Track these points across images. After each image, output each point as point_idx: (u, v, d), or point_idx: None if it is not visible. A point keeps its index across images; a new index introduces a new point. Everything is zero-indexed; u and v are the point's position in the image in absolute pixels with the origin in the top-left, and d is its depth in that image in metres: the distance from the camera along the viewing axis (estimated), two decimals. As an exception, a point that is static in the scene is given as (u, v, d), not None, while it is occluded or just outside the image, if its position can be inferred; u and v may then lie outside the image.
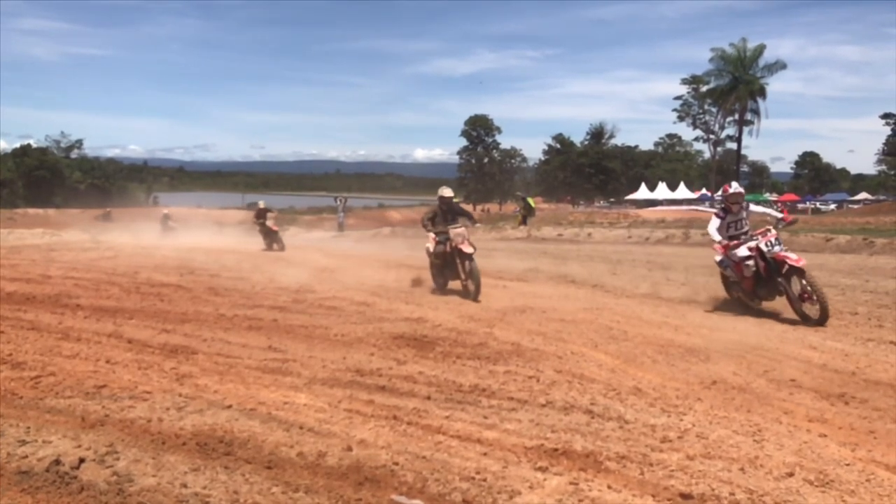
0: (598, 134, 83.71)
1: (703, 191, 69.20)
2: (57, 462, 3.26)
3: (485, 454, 3.52)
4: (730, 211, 8.64)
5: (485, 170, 79.88)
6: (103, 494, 3.01)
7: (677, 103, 76.16)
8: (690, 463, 3.46)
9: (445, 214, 10.33)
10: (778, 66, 49.36)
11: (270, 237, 19.64)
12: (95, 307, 8.05)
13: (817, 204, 66.32)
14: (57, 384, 4.66)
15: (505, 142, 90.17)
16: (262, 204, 21.57)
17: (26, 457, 3.36)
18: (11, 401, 4.29)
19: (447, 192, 10.67)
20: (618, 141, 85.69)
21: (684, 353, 6.17)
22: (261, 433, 3.75)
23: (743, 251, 8.17)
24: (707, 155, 79.22)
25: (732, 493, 3.12)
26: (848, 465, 3.53)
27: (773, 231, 8.16)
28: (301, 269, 12.86)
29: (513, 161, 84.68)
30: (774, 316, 8.14)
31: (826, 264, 12.76)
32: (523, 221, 28.59)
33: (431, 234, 10.20)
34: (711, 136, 72.39)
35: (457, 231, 9.84)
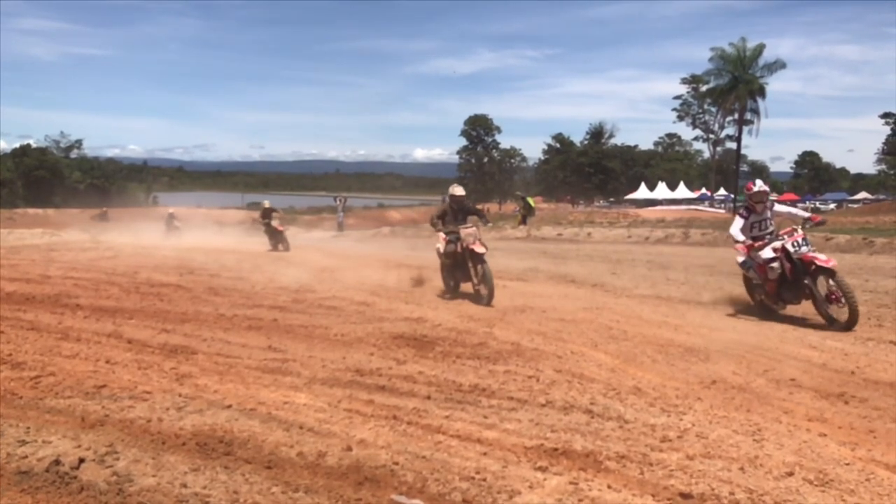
0: (597, 133, 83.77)
1: (703, 190, 69.29)
2: (57, 462, 3.26)
3: (485, 454, 3.52)
4: (753, 211, 8.23)
5: (484, 169, 79.88)
6: (103, 494, 3.01)
7: (677, 103, 76.40)
8: (690, 462, 3.46)
9: (456, 213, 9.95)
10: (777, 65, 49.29)
11: (276, 237, 19.37)
12: (95, 307, 8.05)
13: (817, 203, 66.31)
14: (57, 384, 4.65)
15: (505, 141, 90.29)
16: (267, 203, 21.25)
17: (26, 457, 3.36)
18: (11, 401, 4.29)
19: (459, 190, 10.29)
20: (617, 140, 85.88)
21: (684, 352, 6.18)
22: (261, 433, 3.75)
23: (768, 252, 7.82)
24: (707, 154, 79.49)
25: (732, 493, 3.12)
26: (848, 464, 3.53)
27: (800, 231, 7.81)
28: (301, 269, 12.86)
29: (512, 161, 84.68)
30: (797, 320, 7.83)
31: (826, 264, 12.73)
32: (523, 221, 28.56)
33: (441, 234, 9.83)
34: (711, 136, 72.59)
35: (468, 231, 9.48)
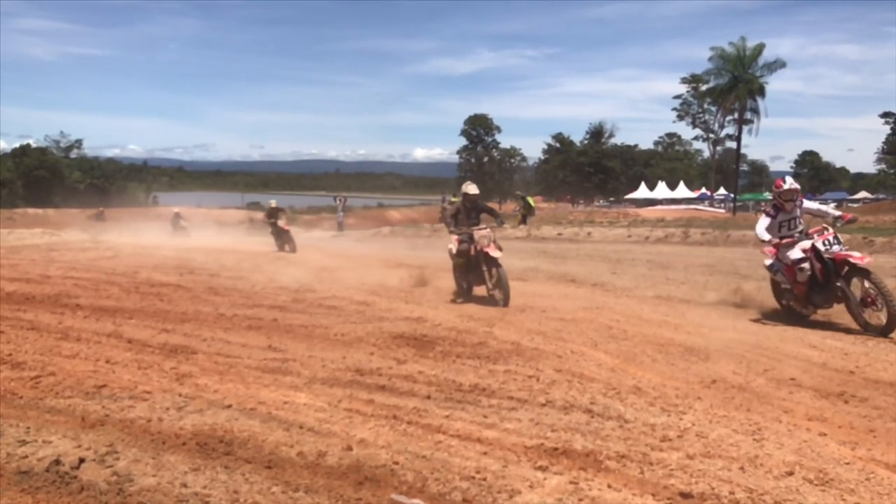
0: (597, 133, 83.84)
1: (703, 190, 69.26)
2: (57, 462, 3.26)
3: (485, 453, 3.52)
4: (782, 209, 7.75)
5: (484, 169, 79.87)
6: (103, 494, 3.01)
7: (677, 102, 76.49)
8: (690, 462, 3.46)
9: (469, 213, 9.60)
10: (777, 64, 49.25)
11: (282, 238, 18.96)
12: (95, 307, 8.04)
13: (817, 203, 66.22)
14: (57, 384, 4.65)
15: (504, 141, 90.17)
16: (273, 203, 20.87)
17: (26, 457, 3.36)
18: (11, 401, 4.29)
19: (473, 188, 9.83)
20: (617, 140, 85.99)
21: (684, 352, 6.18)
22: (261, 433, 3.75)
23: (796, 253, 7.40)
24: (706, 154, 79.59)
25: (732, 492, 3.12)
26: (848, 463, 3.53)
27: (831, 229, 7.39)
28: (301, 269, 12.86)
29: (512, 160, 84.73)
30: (831, 326, 7.46)
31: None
32: (523, 221, 28.55)
33: (454, 235, 9.46)
34: (711, 135, 72.68)
35: (482, 233, 9.14)
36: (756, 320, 7.94)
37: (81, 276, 11.34)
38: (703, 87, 61.33)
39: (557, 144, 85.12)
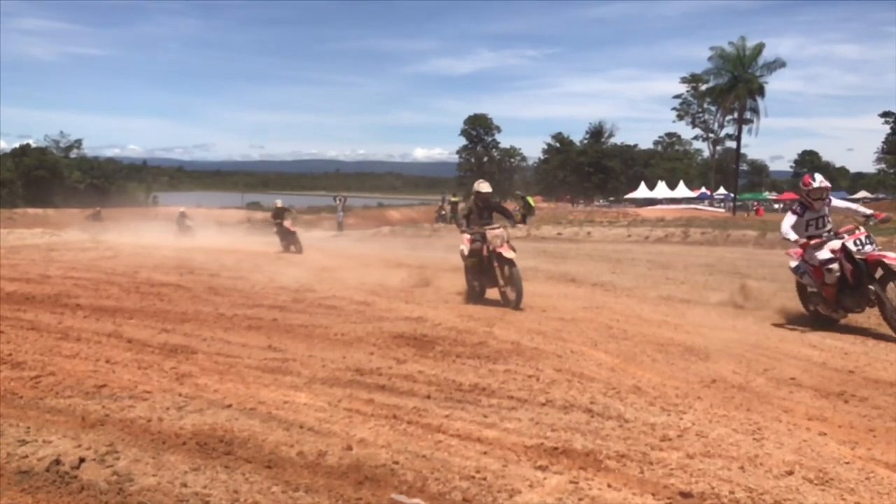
0: (597, 133, 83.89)
1: (703, 189, 69.27)
2: (57, 462, 3.26)
3: (485, 453, 3.52)
4: (809, 207, 7.37)
5: (484, 169, 79.80)
6: (103, 494, 3.01)
7: (676, 102, 76.57)
8: (690, 461, 3.46)
9: (482, 212, 9.31)
10: (777, 64, 49.28)
11: (288, 238, 18.61)
12: (95, 307, 8.04)
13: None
14: (57, 384, 4.65)
15: (504, 141, 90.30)
16: (279, 203, 20.45)
17: (26, 456, 3.36)
18: (11, 401, 4.29)
19: (485, 186, 9.54)
20: (617, 140, 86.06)
21: (684, 351, 6.18)
22: (261, 432, 3.75)
23: (824, 253, 7.02)
24: (706, 154, 79.63)
25: (732, 492, 3.12)
26: (847, 463, 3.54)
27: (862, 228, 7.02)
28: (301, 269, 12.87)
29: (512, 160, 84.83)
30: (863, 331, 7.15)
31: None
32: (523, 220, 28.57)
33: (466, 235, 9.17)
34: (711, 135, 72.74)
35: (495, 233, 8.87)
36: (756, 320, 7.94)
37: (81, 275, 11.34)
38: (703, 87, 61.46)
39: (557, 144, 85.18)
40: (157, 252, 16.90)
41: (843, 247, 6.94)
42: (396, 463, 3.37)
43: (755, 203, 51.84)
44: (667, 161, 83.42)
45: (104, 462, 3.30)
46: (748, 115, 50.79)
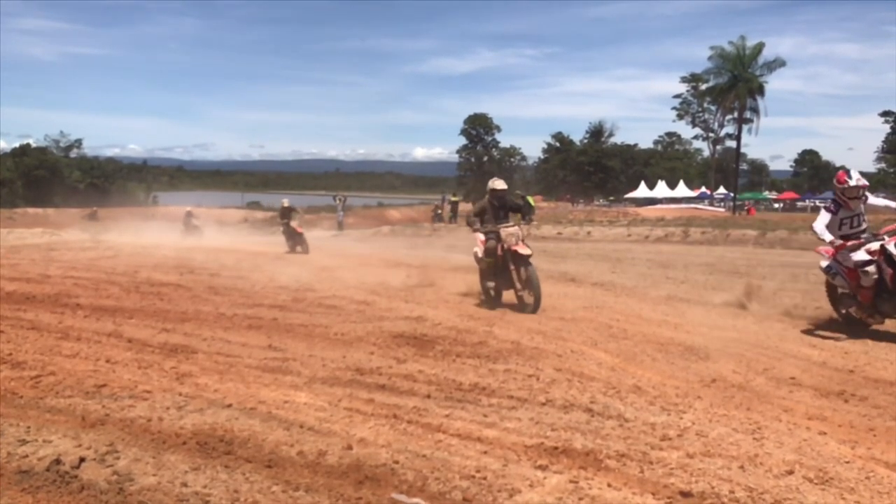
0: (597, 132, 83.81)
1: (703, 189, 69.27)
2: (57, 461, 3.26)
3: (485, 452, 3.52)
4: (844, 206, 7.03)
5: (484, 168, 79.75)
6: (104, 494, 3.01)
7: (676, 101, 76.44)
8: (690, 461, 3.46)
9: (497, 211, 8.80)
10: (777, 63, 49.32)
11: (294, 239, 18.26)
12: (95, 306, 8.04)
13: (817, 202, 66.25)
14: (57, 383, 4.65)
15: (504, 140, 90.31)
16: (286, 202, 20.00)
17: (26, 456, 3.36)
18: (11, 400, 4.29)
19: (500, 184, 9.03)
20: (617, 139, 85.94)
21: (684, 351, 6.18)
22: (261, 432, 3.75)
23: (860, 255, 6.68)
24: (706, 153, 79.54)
25: (732, 491, 3.12)
26: (847, 462, 3.54)
27: None
28: (301, 268, 12.87)
29: (512, 160, 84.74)
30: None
31: (825, 262, 12.74)
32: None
33: (479, 235, 8.75)
34: (711, 135, 72.65)
35: (509, 231, 8.47)
36: (756, 320, 7.94)
37: (81, 275, 11.34)
38: (703, 87, 61.45)
39: (557, 144, 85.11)
40: (158, 251, 16.89)
41: (883, 249, 6.58)
42: (396, 462, 3.37)
43: (746, 203, 51.81)
44: (667, 160, 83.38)
45: (104, 462, 3.30)
46: (748, 114, 50.86)
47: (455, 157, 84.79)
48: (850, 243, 6.72)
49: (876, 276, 6.63)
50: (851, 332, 6.88)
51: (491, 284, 8.75)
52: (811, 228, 7.10)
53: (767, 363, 5.76)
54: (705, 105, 69.55)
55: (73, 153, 72.40)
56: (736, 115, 52.79)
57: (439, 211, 38.38)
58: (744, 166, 72.32)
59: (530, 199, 33.34)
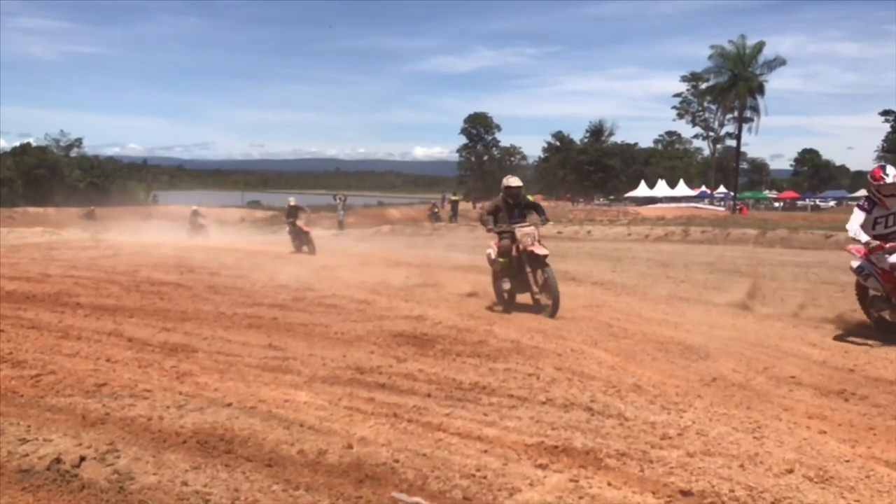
0: (597, 131, 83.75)
1: (703, 188, 69.30)
2: (58, 460, 3.26)
3: (485, 451, 3.52)
4: (879, 204, 6.69)
5: (484, 168, 79.85)
6: (104, 493, 3.01)
7: (677, 100, 76.40)
8: (690, 460, 3.46)
9: (511, 209, 8.45)
10: (777, 62, 49.31)
11: (300, 239, 17.92)
12: (95, 305, 8.04)
13: (817, 201, 66.33)
14: (57, 382, 4.65)
15: (504, 139, 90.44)
16: (292, 201, 19.63)
17: (27, 455, 3.36)
18: (12, 399, 4.29)
19: (515, 181, 8.66)
20: (617, 138, 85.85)
21: (684, 350, 6.18)
22: (261, 431, 3.75)
23: None
24: (706, 152, 79.51)
25: (732, 490, 3.12)
26: (848, 461, 3.54)
27: None
28: (301, 267, 12.87)
29: (512, 159, 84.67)
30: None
31: (826, 261, 12.76)
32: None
33: (493, 235, 8.48)
34: (711, 134, 72.64)
35: (525, 230, 8.16)
36: (756, 319, 7.94)
37: (82, 274, 11.34)
38: (703, 86, 61.39)
39: (557, 143, 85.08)
40: (157, 250, 16.89)
41: None
42: (397, 461, 3.37)
43: (738, 202, 51.78)
44: (667, 160, 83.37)
45: (105, 461, 3.30)
46: (748, 113, 50.85)
47: (455, 157, 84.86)
48: (888, 245, 6.41)
49: None
50: (887, 338, 6.60)
51: (507, 287, 8.39)
52: (846, 229, 6.75)
53: (767, 362, 5.76)
54: (705, 104, 69.52)
55: (74, 152, 72.34)
56: (736, 114, 52.78)
57: (436, 210, 38.34)
58: (744, 165, 72.39)
59: (530, 199, 33.34)
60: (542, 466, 3.34)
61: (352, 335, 6.56)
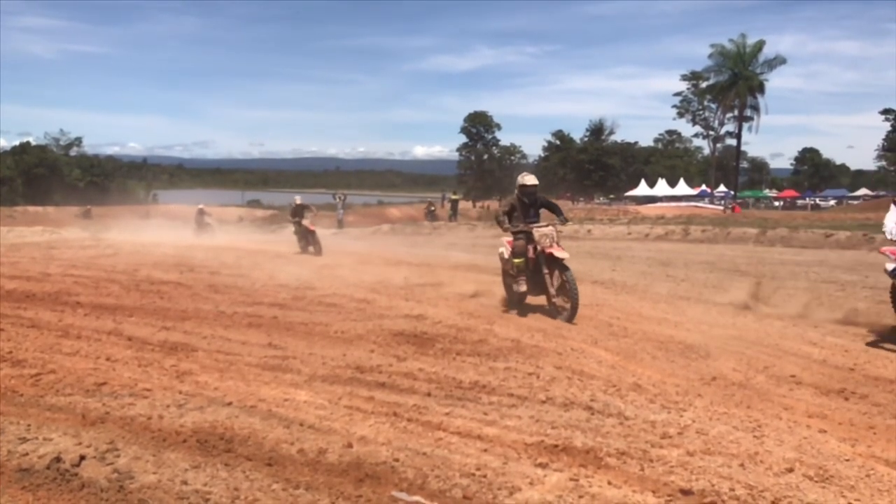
0: (597, 130, 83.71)
1: (703, 187, 69.28)
2: (58, 459, 3.26)
3: (485, 450, 3.52)
4: None
5: (484, 167, 79.81)
6: (104, 492, 3.01)
7: (677, 99, 76.25)
8: (690, 459, 3.46)
9: (527, 209, 8.12)
10: (777, 61, 49.36)
11: (306, 238, 17.72)
12: (95, 305, 8.04)
13: (817, 200, 66.36)
14: (57, 382, 4.65)
15: (504, 138, 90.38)
16: (298, 200, 19.44)
17: (27, 454, 3.36)
18: (12, 398, 4.29)
19: (531, 179, 8.24)
20: (617, 137, 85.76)
21: (684, 349, 6.18)
22: (261, 430, 3.75)
23: None
24: (707, 151, 79.39)
25: (732, 489, 3.12)
26: (848, 460, 3.54)
27: None
28: (301, 267, 12.86)
29: (512, 158, 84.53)
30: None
31: (826, 260, 12.77)
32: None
33: (507, 235, 8.19)
34: (711, 133, 72.51)
35: (543, 231, 7.84)
36: (756, 318, 7.94)
37: (81, 273, 11.33)
38: (704, 85, 61.42)
39: (557, 142, 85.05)
40: (157, 250, 16.88)
41: None
42: (397, 460, 3.37)
43: (731, 201, 51.80)
44: (667, 158, 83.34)
45: (105, 460, 3.30)
46: (748, 112, 50.89)
47: (455, 156, 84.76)
48: None
49: None
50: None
51: (523, 289, 8.02)
52: (882, 230, 6.45)
53: (768, 361, 5.76)
54: (705, 103, 69.46)
55: (73, 151, 72.34)
56: (736, 112, 52.80)
57: (433, 208, 38.31)
58: (744, 164, 72.42)
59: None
60: (542, 465, 3.34)
61: (352, 334, 6.56)
